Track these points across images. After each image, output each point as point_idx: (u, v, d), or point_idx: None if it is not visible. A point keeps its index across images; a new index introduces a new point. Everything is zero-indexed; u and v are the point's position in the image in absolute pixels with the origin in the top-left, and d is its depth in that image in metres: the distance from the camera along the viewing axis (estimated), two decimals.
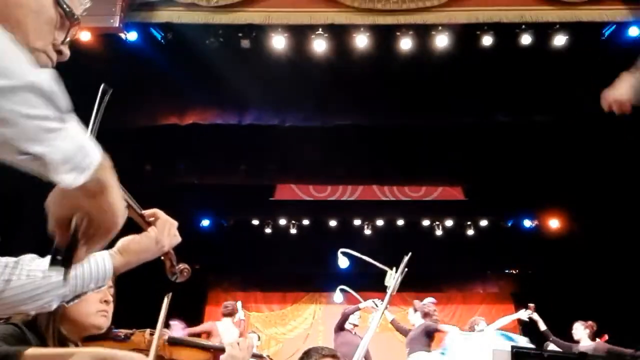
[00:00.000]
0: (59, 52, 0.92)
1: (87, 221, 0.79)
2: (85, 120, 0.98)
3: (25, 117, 0.64)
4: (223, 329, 6.50)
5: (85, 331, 1.59)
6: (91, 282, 1.10)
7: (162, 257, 1.27)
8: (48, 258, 0.97)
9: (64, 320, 1.55)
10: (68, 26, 0.91)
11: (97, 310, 1.59)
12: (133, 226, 1.22)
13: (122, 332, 1.76)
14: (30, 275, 1.03)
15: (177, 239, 1.23)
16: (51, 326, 1.51)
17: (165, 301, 1.92)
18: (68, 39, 0.93)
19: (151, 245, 1.16)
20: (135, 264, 1.18)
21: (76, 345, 1.59)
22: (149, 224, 1.17)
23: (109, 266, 1.12)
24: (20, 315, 1.53)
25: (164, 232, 1.17)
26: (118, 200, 0.80)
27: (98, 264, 1.11)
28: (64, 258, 0.81)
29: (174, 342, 1.83)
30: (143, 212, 1.17)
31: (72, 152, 0.69)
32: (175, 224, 1.22)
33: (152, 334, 1.77)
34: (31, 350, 1.27)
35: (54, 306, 1.07)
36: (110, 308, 1.64)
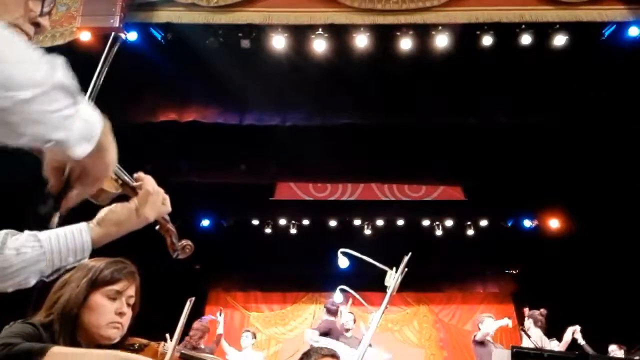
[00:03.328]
0: (37, 25, 0.89)
1: (79, 170, 0.87)
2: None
3: (51, 113, 0.71)
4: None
5: (95, 341, 1.55)
6: (69, 256, 1.06)
7: (163, 234, 1.23)
8: (24, 234, 1.02)
9: (78, 327, 1.52)
10: None
11: (110, 321, 1.55)
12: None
13: (137, 342, 1.73)
14: (3, 252, 1.00)
15: (167, 208, 1.18)
16: (65, 333, 1.48)
17: (188, 305, 1.90)
18: (46, 10, 0.90)
19: (131, 216, 1.11)
20: (116, 235, 1.12)
21: None
22: (135, 192, 1.13)
23: (87, 238, 1.08)
24: (37, 318, 1.52)
25: (146, 202, 1.12)
26: (112, 156, 0.87)
27: (75, 237, 1.07)
28: (55, 200, 0.89)
29: (186, 357, 1.81)
30: (134, 177, 1.13)
31: (84, 129, 0.77)
32: (162, 191, 1.17)
33: (166, 347, 1.75)
34: (57, 348, 1.26)
35: (32, 283, 1.04)
36: (125, 320, 1.59)
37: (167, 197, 1.19)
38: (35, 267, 1.03)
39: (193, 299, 1.91)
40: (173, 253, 1.26)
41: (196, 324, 6.25)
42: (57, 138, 0.73)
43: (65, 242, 1.06)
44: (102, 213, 1.12)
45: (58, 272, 1.09)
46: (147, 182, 1.15)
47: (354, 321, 6.54)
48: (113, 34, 1.01)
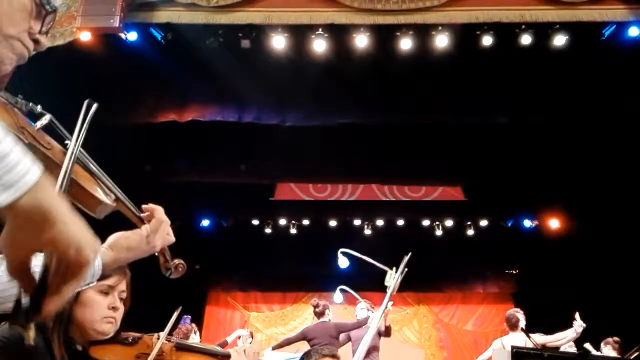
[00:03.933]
0: (36, 42, 0.91)
1: (56, 260, 0.67)
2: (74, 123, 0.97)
3: None
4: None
5: (89, 336, 1.57)
6: None
7: (157, 253, 1.24)
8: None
9: (72, 324, 1.53)
10: (44, 15, 0.91)
11: (103, 316, 1.56)
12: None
13: (130, 335, 1.74)
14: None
15: (171, 238, 1.19)
16: (57, 329, 1.49)
17: (175, 314, 1.92)
18: (45, 29, 0.92)
19: (141, 243, 1.13)
20: (126, 260, 1.14)
21: (83, 348, 1.57)
22: (142, 220, 1.14)
23: (98, 262, 1.09)
24: None
25: (157, 231, 1.14)
26: (76, 227, 0.66)
27: None
28: (31, 308, 0.66)
29: (181, 347, 1.82)
30: (143, 207, 1.14)
31: None
32: (168, 222, 1.18)
33: (159, 338, 1.77)
34: None
35: None
36: (118, 314, 1.61)
37: (170, 229, 1.19)
38: None
39: (180, 308, 1.93)
40: (166, 272, 1.26)
41: (177, 329, 6.19)
42: None
43: None
44: (113, 238, 1.14)
45: None
46: (159, 213, 1.16)
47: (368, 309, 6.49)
48: (86, 102, 0.99)
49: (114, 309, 1.58)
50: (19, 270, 0.68)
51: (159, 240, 1.15)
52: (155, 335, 1.78)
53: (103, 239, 1.15)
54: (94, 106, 1.01)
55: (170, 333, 1.85)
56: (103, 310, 1.56)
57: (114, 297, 1.59)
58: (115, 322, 1.59)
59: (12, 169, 0.62)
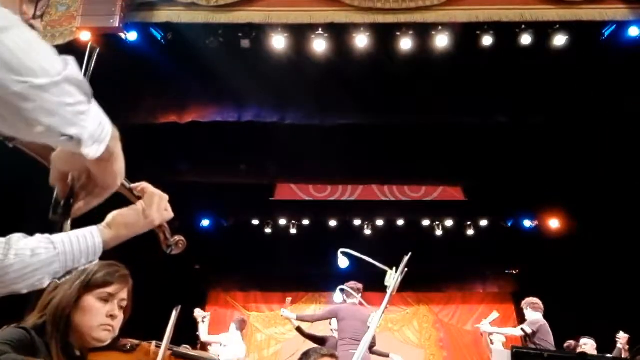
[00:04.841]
0: (30, 27, 0.90)
1: (86, 177, 0.90)
2: None
3: (65, 106, 0.74)
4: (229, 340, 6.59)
5: (86, 342, 1.57)
6: (82, 258, 1.08)
7: (156, 230, 1.24)
8: (36, 236, 1.05)
9: (70, 329, 1.54)
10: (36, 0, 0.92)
11: (101, 324, 1.56)
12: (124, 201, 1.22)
13: (129, 342, 1.75)
14: (18, 254, 1.01)
15: (169, 214, 1.20)
16: (57, 333, 1.50)
17: (174, 314, 1.92)
18: (39, 12, 0.93)
19: (139, 219, 1.14)
20: (125, 237, 1.14)
21: (81, 354, 1.58)
22: (138, 197, 1.16)
23: (98, 240, 1.10)
24: (31, 319, 1.53)
25: (152, 205, 1.15)
26: (121, 165, 0.90)
27: (87, 239, 1.09)
28: (64, 208, 0.91)
29: (178, 355, 1.83)
30: (132, 185, 1.15)
31: (96, 129, 0.80)
32: (166, 197, 1.20)
33: (157, 346, 1.77)
34: None
35: (46, 284, 1.05)
36: (116, 322, 1.61)
37: (169, 205, 1.21)
38: (50, 269, 1.04)
39: (179, 307, 1.93)
40: (167, 249, 1.27)
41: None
42: (71, 133, 0.76)
43: (77, 245, 1.07)
44: (111, 216, 1.15)
45: (70, 274, 1.11)
46: (150, 187, 1.17)
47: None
48: (89, 46, 1.00)
49: (112, 317, 1.58)
50: (61, 180, 0.90)
51: (156, 214, 1.16)
52: (154, 342, 1.79)
53: (101, 218, 1.16)
54: (96, 51, 1.01)
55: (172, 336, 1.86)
56: (101, 317, 1.56)
57: (113, 305, 1.59)
58: (112, 330, 1.60)
59: (104, 127, 0.82)
